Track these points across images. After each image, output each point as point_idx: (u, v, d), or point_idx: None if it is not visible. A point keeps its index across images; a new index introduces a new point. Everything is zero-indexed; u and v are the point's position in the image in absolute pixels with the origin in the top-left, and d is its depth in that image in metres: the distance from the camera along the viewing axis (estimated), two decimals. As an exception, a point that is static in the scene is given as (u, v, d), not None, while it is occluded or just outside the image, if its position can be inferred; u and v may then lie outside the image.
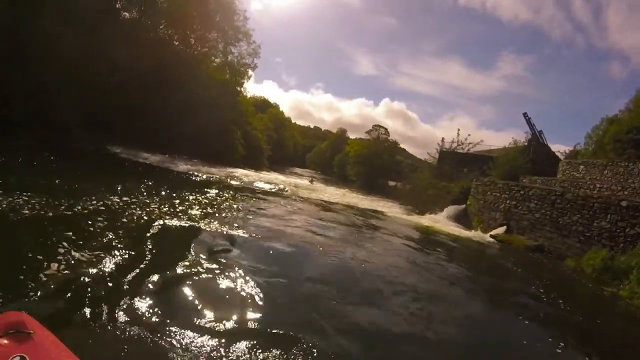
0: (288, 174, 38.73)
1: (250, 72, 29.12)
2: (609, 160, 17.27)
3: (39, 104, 14.69)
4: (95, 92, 17.70)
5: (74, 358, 1.81)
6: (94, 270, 3.83)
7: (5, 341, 1.73)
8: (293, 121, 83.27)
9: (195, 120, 21.96)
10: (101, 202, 6.63)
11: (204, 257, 4.98)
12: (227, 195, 11.11)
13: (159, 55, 21.65)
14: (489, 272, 8.59)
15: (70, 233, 4.70)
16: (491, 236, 12.26)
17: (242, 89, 30.87)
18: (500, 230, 12.62)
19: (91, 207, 6.22)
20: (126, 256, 4.43)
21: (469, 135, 32.01)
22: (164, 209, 7.33)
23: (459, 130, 32.85)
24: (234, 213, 8.78)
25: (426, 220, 14.78)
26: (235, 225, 7.21)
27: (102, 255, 4.27)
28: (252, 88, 75.41)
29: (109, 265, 4.07)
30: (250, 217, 8.62)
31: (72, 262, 3.93)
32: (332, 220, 10.37)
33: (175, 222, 6.46)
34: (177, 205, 7.96)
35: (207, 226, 6.69)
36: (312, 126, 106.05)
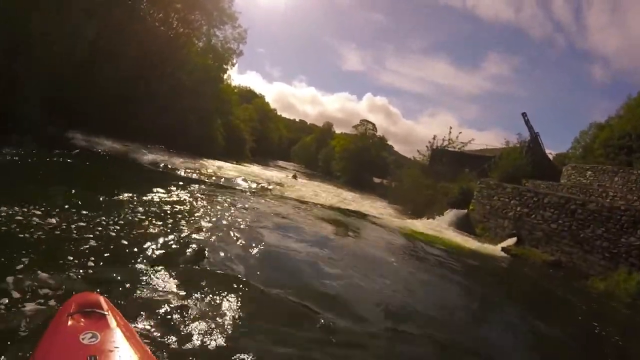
0: (271, 168, 36.94)
1: (235, 58, 27.00)
2: (620, 167, 16.17)
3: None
4: (62, 74, 15.58)
5: (142, 345, 1.93)
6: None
7: (81, 318, 1.90)
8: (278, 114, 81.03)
9: (173, 107, 20.05)
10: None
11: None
12: (183, 196, 8.41)
13: (136, 35, 19.50)
14: (514, 300, 7.13)
15: None
16: (503, 249, 10.83)
17: (226, 76, 28.83)
18: (511, 241, 11.25)
19: None
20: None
21: (460, 133, 30.68)
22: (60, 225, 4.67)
23: (450, 128, 31.39)
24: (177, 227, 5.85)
25: (423, 226, 13.22)
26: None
27: None
28: (236, 78, 72.64)
29: None
30: (196, 235, 5.57)
31: None
32: (313, 233, 8.69)
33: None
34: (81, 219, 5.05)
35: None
36: (297, 119, 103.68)
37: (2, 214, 4.47)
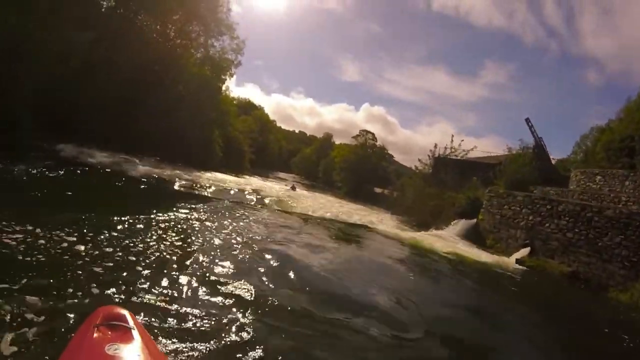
0: (271, 179, 36.37)
1: (233, 69, 26.69)
2: (631, 170, 15.65)
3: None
4: (56, 85, 15.22)
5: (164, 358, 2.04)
6: None
7: (107, 330, 1.93)
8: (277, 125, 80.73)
9: (169, 118, 19.63)
10: None
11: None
12: (179, 213, 7.76)
13: (132, 46, 19.20)
14: (533, 316, 6.54)
15: None
16: (517, 261, 10.22)
17: (224, 87, 28.53)
18: (524, 252, 10.66)
19: None
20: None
21: (462, 140, 30.03)
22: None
23: (452, 135, 30.86)
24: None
25: (432, 238, 12.60)
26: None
27: None
28: (235, 90, 72.71)
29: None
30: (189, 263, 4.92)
31: None
32: (316, 247, 8.13)
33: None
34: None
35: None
36: (297, 131, 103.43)
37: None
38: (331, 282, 5.43)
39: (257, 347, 3.16)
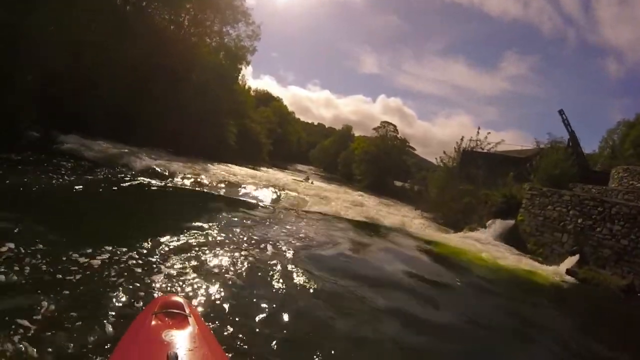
0: (290, 171, 35.57)
1: (249, 56, 25.70)
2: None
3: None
4: (65, 76, 14.54)
5: (219, 347, 2.07)
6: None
7: (164, 318, 2.02)
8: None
9: (181, 108, 18.89)
10: None
11: None
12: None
13: (144, 35, 18.43)
14: (602, 348, 5.31)
15: None
16: (568, 272, 8.87)
17: (240, 76, 27.68)
18: (572, 260, 9.29)
19: None
20: None
21: (489, 133, 27.85)
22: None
23: (479, 128, 28.84)
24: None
25: (465, 239, 11.26)
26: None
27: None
28: (252, 83, 71.66)
29: None
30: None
31: None
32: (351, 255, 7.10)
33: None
34: None
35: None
36: (315, 123, 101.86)
37: None
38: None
39: (313, 333, 3.39)
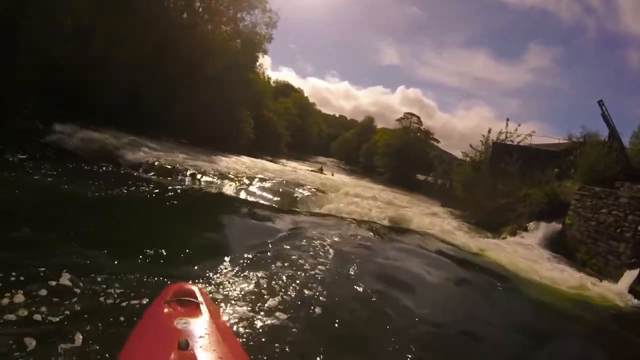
0: (308, 163, 34.48)
1: (265, 44, 24.60)
2: None
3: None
4: (68, 62, 13.84)
5: (231, 334, 2.12)
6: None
7: (177, 306, 2.01)
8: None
9: (192, 96, 18.09)
10: None
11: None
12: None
13: (156, 21, 17.61)
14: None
15: None
16: (631, 291, 7.38)
17: (257, 64, 26.68)
18: (632, 274, 7.82)
19: None
20: None
21: (519, 125, 25.47)
22: None
23: (507, 119, 26.40)
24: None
25: (505, 246, 9.77)
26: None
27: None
28: (271, 75, 70.54)
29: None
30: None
31: None
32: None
33: None
34: None
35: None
36: (337, 115, 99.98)
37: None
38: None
39: (329, 324, 3.38)
